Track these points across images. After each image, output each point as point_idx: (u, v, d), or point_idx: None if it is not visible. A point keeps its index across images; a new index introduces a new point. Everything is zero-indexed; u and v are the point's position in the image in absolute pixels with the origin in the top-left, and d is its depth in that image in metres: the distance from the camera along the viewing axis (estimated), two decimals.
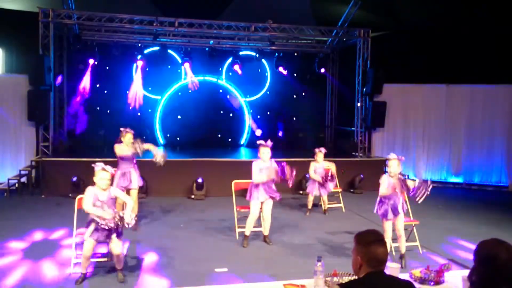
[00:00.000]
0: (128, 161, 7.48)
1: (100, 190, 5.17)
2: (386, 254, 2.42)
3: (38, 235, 7.05)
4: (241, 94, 15.10)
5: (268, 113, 15.35)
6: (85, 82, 13.44)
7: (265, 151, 6.65)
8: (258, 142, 6.82)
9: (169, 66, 14.32)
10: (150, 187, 10.37)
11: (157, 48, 13.59)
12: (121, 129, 7.60)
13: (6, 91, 11.43)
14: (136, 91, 13.91)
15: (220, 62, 14.70)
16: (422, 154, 13.25)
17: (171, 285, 5.18)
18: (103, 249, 5.71)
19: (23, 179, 10.67)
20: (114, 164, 9.12)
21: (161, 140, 14.77)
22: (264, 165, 6.66)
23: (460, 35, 12.31)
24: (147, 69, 14.05)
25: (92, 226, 5.05)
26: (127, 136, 7.48)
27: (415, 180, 6.06)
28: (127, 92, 13.85)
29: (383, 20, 13.36)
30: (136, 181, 7.50)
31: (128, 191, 7.30)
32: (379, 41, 13.26)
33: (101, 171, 5.20)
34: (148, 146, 7.57)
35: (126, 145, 7.47)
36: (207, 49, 13.96)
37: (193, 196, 10.41)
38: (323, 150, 9.03)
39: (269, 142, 6.73)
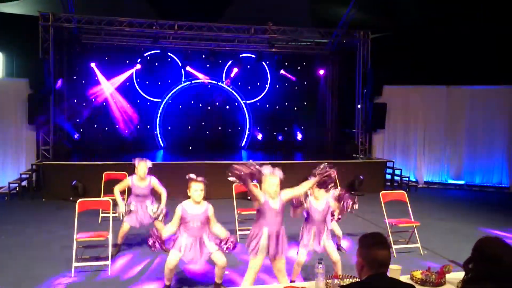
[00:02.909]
0: (141, 197, 6.21)
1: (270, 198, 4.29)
2: (388, 257, 2.41)
3: (38, 239, 7.05)
4: (241, 97, 15.10)
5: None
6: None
7: (197, 188, 4.71)
8: (188, 176, 4.85)
9: (169, 69, 14.35)
10: None
11: (157, 51, 13.61)
12: (136, 159, 6.29)
13: (6, 95, 11.46)
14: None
15: (220, 64, 14.73)
16: (422, 156, 13.24)
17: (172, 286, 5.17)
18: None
19: (24, 183, 10.67)
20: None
21: (161, 143, 14.76)
22: (194, 210, 4.71)
23: (460, 36, 12.31)
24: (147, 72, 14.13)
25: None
26: (141, 166, 6.17)
27: None
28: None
29: (383, 22, 13.36)
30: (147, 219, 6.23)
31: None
32: (379, 43, 13.27)
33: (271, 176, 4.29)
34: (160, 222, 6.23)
35: (140, 178, 6.22)
36: (207, 51, 13.99)
37: None
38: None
39: (200, 178, 4.81)
